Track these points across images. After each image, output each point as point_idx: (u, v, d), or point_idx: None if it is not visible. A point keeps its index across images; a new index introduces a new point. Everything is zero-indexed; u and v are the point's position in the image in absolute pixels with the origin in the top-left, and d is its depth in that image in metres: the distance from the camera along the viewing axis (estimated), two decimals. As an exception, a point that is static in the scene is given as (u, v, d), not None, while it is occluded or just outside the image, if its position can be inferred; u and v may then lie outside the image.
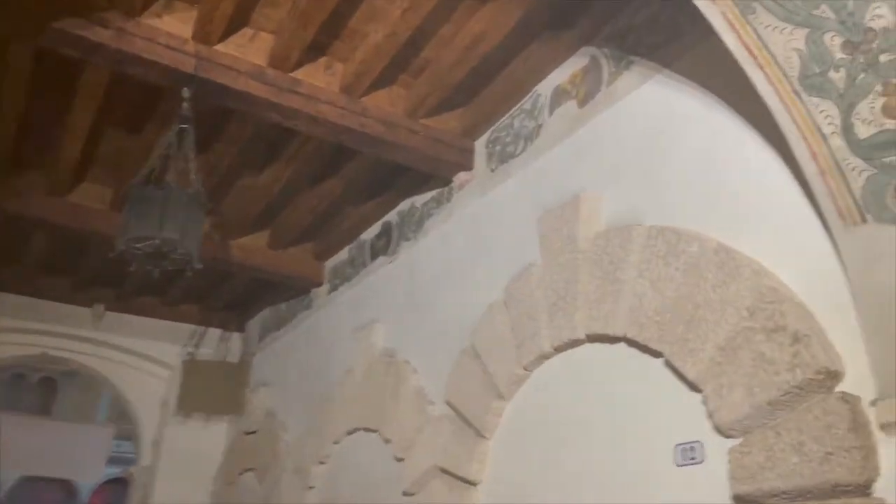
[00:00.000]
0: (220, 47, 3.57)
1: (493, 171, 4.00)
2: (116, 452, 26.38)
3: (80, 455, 6.84)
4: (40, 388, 23.55)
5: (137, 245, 3.08)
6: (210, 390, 7.10)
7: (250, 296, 6.88)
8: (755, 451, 2.14)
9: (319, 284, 5.95)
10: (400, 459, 4.01)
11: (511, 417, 3.29)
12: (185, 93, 3.44)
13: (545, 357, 3.13)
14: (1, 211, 4.90)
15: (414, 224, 4.73)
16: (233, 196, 5.08)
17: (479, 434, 3.38)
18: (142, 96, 4.12)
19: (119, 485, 26.96)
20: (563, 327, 3.01)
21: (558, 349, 3.06)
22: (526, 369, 3.21)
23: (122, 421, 7.51)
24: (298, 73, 3.75)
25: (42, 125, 4.46)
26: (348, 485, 4.57)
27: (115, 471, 26.62)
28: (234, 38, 3.61)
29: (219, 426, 7.11)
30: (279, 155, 4.61)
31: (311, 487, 4.96)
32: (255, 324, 7.29)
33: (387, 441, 4.20)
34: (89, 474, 7.13)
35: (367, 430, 4.49)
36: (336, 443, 4.83)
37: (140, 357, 7.12)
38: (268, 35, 3.66)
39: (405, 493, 3.86)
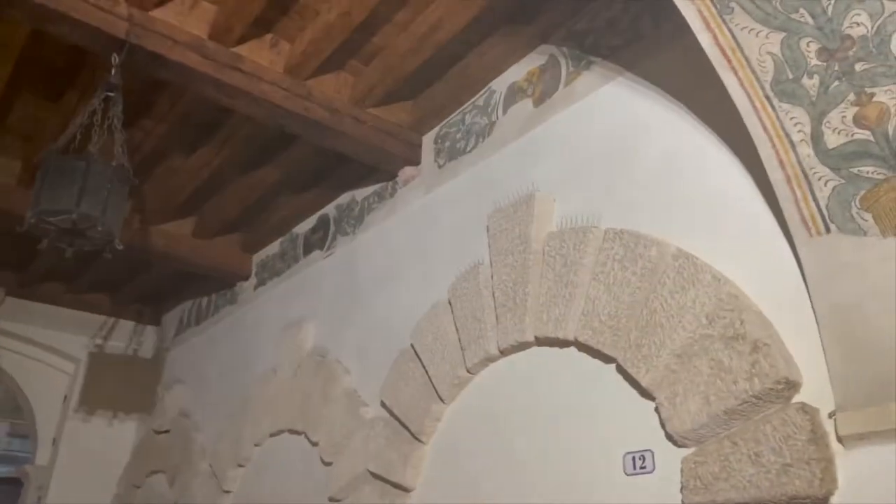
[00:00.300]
0: (156, 13, 3.29)
1: (440, 167, 3.88)
2: (7, 451, 24.66)
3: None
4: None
5: (50, 219, 2.76)
6: (118, 386, 6.64)
7: (169, 287, 6.48)
8: (710, 461, 2.09)
9: (246, 278, 5.65)
10: (328, 463, 3.81)
11: (451, 422, 3.16)
12: (115, 59, 3.15)
13: (491, 360, 3.02)
14: None
15: (353, 219, 4.55)
16: (157, 178, 4.75)
17: (416, 438, 3.23)
18: (63, 60, 3.78)
19: (7, 485, 25.24)
20: (510, 329, 2.91)
21: (505, 352, 2.96)
22: (469, 372, 3.09)
23: (16, 416, 6.86)
24: (241, 49, 3.52)
25: (-56, 86, 4.03)
26: (269, 489, 4.32)
27: (3, 470, 24.94)
28: (173, 5, 3.34)
29: (126, 425, 6.66)
30: (212, 137, 4.33)
31: (227, 491, 4.67)
32: (171, 317, 6.88)
33: (314, 444, 3.99)
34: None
35: (292, 432, 4.26)
36: (257, 445, 4.57)
37: (41, 348, 6.57)
38: (210, 5, 3.41)
39: (332, 499, 3.66)
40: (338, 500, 3.63)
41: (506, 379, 2.95)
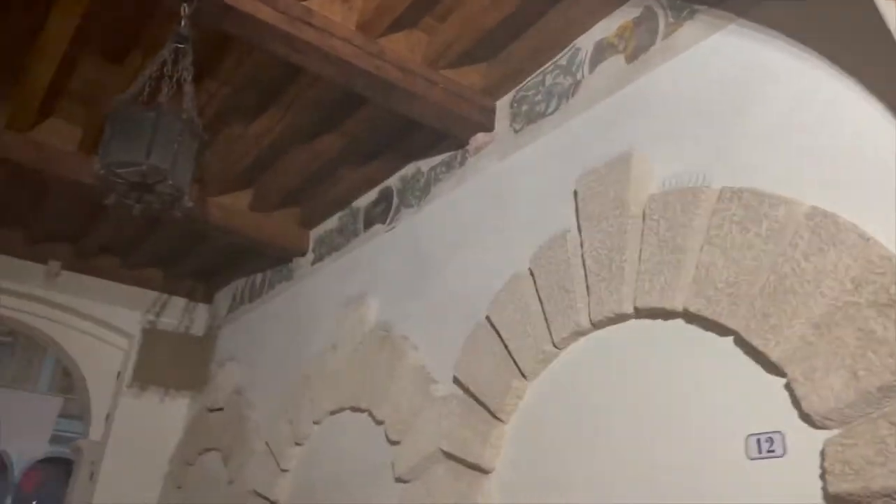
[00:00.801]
0: (225, -37, 3.12)
1: (517, 132, 3.64)
2: (56, 430, 25.16)
3: (22, 426, 6.22)
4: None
5: (119, 171, 2.61)
6: (170, 363, 6.57)
7: (223, 264, 6.39)
8: (862, 443, 1.82)
9: (303, 254, 5.50)
10: (394, 442, 3.62)
11: (534, 400, 2.94)
12: (185, 9, 2.99)
13: (581, 333, 2.79)
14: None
15: (419, 190, 4.35)
16: (218, 146, 4.60)
17: (495, 416, 3.02)
18: (128, 18, 3.64)
19: (53, 465, 25.88)
20: (606, 300, 2.67)
21: (598, 325, 2.72)
22: (556, 346, 2.87)
23: (70, 391, 6.85)
24: (312, 3, 3.33)
25: (8, 46, 3.94)
26: (329, 468, 4.16)
27: (52, 449, 25.55)
28: (243, -45, 3.17)
29: (177, 402, 6.59)
30: (276, 101, 4.16)
31: (284, 470, 4.53)
32: (224, 295, 6.79)
33: (379, 422, 3.81)
34: (30, 448, 6.46)
35: (354, 409, 4.08)
36: (316, 423, 4.42)
37: (96, 323, 6.55)
38: (281, -45, 3.23)
39: (399, 479, 3.48)
40: (406, 481, 3.44)
41: (599, 354, 2.72)
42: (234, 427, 5.36)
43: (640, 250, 2.61)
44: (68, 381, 20.58)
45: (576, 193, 3.00)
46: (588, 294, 2.77)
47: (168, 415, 6.51)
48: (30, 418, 6.07)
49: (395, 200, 4.57)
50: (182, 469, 6.03)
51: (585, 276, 2.80)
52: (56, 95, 4.31)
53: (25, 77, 4.05)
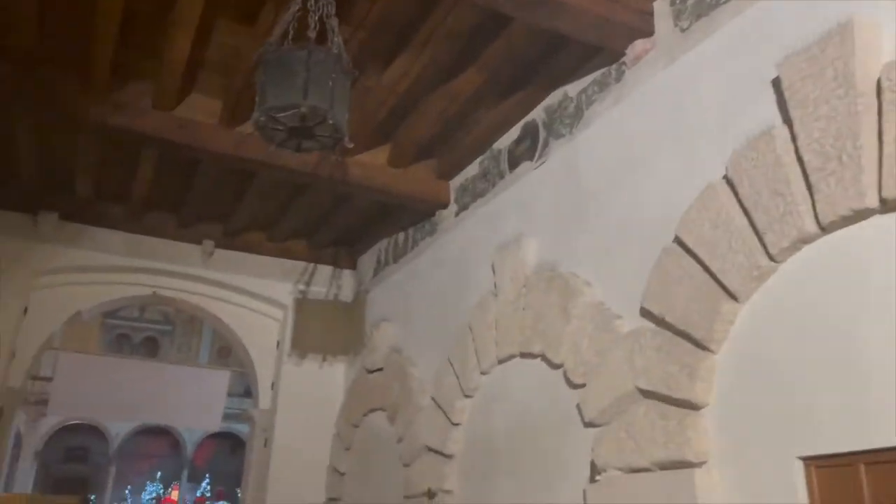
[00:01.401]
0: None
1: (684, 30, 3.21)
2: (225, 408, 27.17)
3: (198, 401, 6.62)
4: (143, 349, 24.35)
5: (279, 116, 2.48)
6: (324, 330, 6.68)
7: (364, 226, 6.36)
8: None
9: (445, 205, 5.33)
10: (578, 385, 3.37)
11: (750, 323, 2.58)
12: (317, -58, 2.79)
13: (806, 240, 2.39)
14: (107, 128, 4.45)
15: (568, 118, 4.01)
16: (353, 100, 4.44)
17: (702, 347, 2.69)
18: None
19: (219, 439, 27.96)
20: (838, 197, 2.25)
21: (830, 227, 2.31)
22: (774, 259, 2.48)
23: (237, 364, 7.15)
24: (446, -82, 3.05)
25: (146, 23, 3.96)
26: (505, 418, 3.99)
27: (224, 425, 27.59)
28: None
29: (335, 367, 6.71)
30: (411, 40, 3.94)
31: (455, 424, 4.42)
32: (367, 259, 6.79)
33: (556, 366, 3.58)
34: (207, 420, 6.88)
35: (525, 355, 3.87)
36: (484, 373, 4.25)
37: (251, 296, 6.75)
38: None
39: (590, 424, 3.23)
40: (598, 425, 3.19)
41: (833, 261, 2.31)
42: (396, 385, 5.33)
43: (880, 130, 2.16)
44: (224, 362, 22.06)
45: (778, 82, 2.57)
46: (811, 194, 2.36)
47: (328, 379, 6.63)
48: (206, 392, 6.44)
49: (542, 133, 4.26)
50: (348, 431, 6.13)
51: (804, 173, 2.39)
52: (195, 68, 4.33)
53: (165, 52, 4.07)
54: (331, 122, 2.47)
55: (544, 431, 3.64)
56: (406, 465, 4.91)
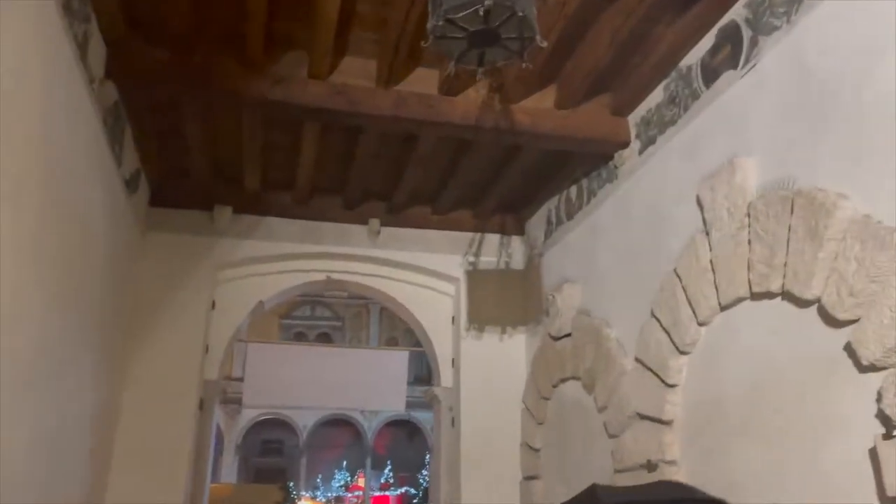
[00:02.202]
0: None
1: None
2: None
3: (381, 383, 6.56)
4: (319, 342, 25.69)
5: (458, 16, 2.08)
6: (500, 300, 6.33)
7: (530, 185, 5.92)
8: None
9: (625, 145, 4.74)
10: (845, 322, 2.70)
11: None
12: None
13: None
14: (267, 104, 4.33)
15: (782, 5, 3.29)
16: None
17: None
18: None
19: (395, 427, 28.93)
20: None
21: None
22: None
23: (417, 343, 6.99)
24: None
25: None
26: (735, 373, 3.37)
27: (393, 413, 28.60)
28: None
29: (515, 338, 6.32)
30: (580, -55, 3.42)
31: (671, 385, 3.85)
32: (536, 222, 6.33)
33: (806, 303, 2.91)
34: (392, 401, 6.81)
35: (759, 296, 3.23)
36: (703, 325, 3.65)
37: (422, 272, 6.53)
38: None
39: (869, 368, 2.56)
40: (884, 367, 2.51)
41: None
42: (590, 350, 4.83)
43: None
44: (393, 335, 22.70)
45: None
46: None
47: (510, 352, 6.27)
48: (388, 373, 6.37)
49: (747, 34, 3.56)
50: (538, 404, 5.72)
51: None
52: (346, 28, 4.08)
53: (315, 15, 3.84)
54: (521, 13, 2.03)
55: (794, 384, 2.98)
56: (613, 436, 4.41)
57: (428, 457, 28.32)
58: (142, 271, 5.74)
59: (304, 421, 27.63)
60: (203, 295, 5.92)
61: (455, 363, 6.40)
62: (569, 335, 5.25)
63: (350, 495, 26.34)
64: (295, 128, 4.94)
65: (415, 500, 27.37)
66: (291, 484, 22.33)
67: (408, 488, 27.99)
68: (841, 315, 2.71)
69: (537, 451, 5.72)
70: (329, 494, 25.93)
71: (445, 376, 6.47)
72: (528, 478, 5.77)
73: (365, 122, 4.58)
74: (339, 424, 28.87)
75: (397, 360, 6.70)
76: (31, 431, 3.66)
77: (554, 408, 5.52)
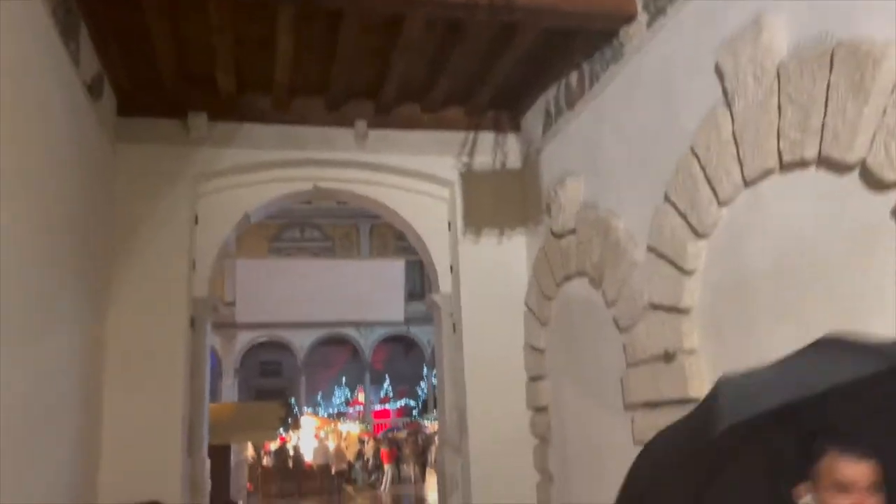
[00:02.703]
0: None
1: None
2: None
3: (377, 294, 6.36)
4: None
5: None
6: (497, 202, 6.05)
7: (526, 76, 5.52)
8: None
9: (631, 18, 4.33)
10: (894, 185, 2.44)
11: None
12: None
13: None
14: None
15: None
16: None
17: None
18: None
19: (392, 343, 29.25)
20: None
21: None
22: None
23: (412, 253, 6.73)
24: None
25: None
26: (762, 254, 3.14)
27: (387, 331, 28.88)
28: None
29: (514, 240, 6.08)
30: None
31: (688, 272, 3.63)
32: (532, 117, 5.98)
33: (845, 169, 2.64)
34: (390, 312, 6.61)
35: (790, 166, 2.95)
36: (724, 204, 3.39)
37: (412, 176, 6.21)
38: None
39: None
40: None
41: None
42: (597, 243, 4.60)
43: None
44: (385, 253, 22.53)
45: None
46: None
47: (510, 254, 6.04)
48: (384, 284, 6.16)
49: None
50: (542, 305, 5.54)
51: None
52: None
53: None
54: None
55: (830, 259, 2.76)
56: (625, 330, 4.24)
57: (425, 370, 28.90)
58: (117, 187, 5.39)
59: (301, 341, 27.84)
60: (184, 209, 5.59)
61: (453, 269, 6.18)
62: (573, 231, 5.01)
63: (351, 410, 26.89)
64: (268, 17, 4.48)
65: (414, 411, 28.03)
66: (293, 400, 22.64)
67: (407, 400, 28.61)
68: (889, 175, 2.45)
69: (542, 351, 5.59)
70: (330, 410, 26.46)
71: (444, 283, 6.27)
72: (534, 378, 5.66)
73: (344, 5, 4.14)
74: (336, 343, 29.15)
75: (393, 270, 6.48)
76: (16, 368, 3.43)
77: (559, 307, 5.34)
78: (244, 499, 10.36)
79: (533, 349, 5.70)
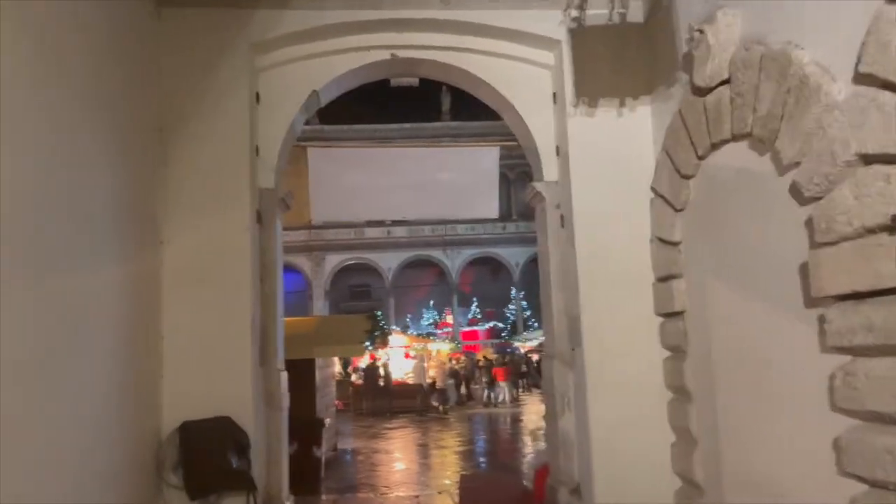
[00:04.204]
0: None
1: None
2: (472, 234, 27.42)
3: (467, 186, 5.40)
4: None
5: None
6: (615, 64, 4.89)
7: None
8: None
9: None
10: None
11: None
12: None
13: None
14: None
15: None
16: None
17: None
18: None
19: (479, 265, 28.59)
20: None
21: None
22: None
23: (506, 134, 5.69)
24: None
25: None
26: None
27: (472, 251, 28.19)
28: None
29: (639, 111, 4.94)
30: None
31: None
32: (659, -48, 4.70)
33: None
34: (482, 208, 5.64)
35: None
36: None
37: (510, 38, 5.11)
38: None
39: None
40: None
41: None
42: (767, 89, 3.42)
43: None
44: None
45: None
46: None
47: (632, 129, 4.92)
48: (470, 176, 5.20)
49: None
50: (677, 187, 4.43)
51: None
52: None
53: None
54: None
55: None
56: (812, 199, 3.10)
57: (513, 291, 28.21)
58: (163, 58, 4.60)
59: (388, 264, 27.68)
60: (242, 84, 4.76)
61: (561, 151, 5.12)
62: (726, 82, 3.82)
63: (440, 332, 26.69)
64: None
65: (503, 333, 27.57)
66: (380, 313, 22.36)
67: (495, 322, 28.17)
68: None
69: (675, 244, 4.51)
70: (419, 331, 26.34)
71: (549, 169, 5.23)
72: (664, 278, 4.62)
73: None
74: (423, 265, 28.85)
75: (487, 158, 5.49)
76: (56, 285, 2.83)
77: (701, 187, 4.22)
78: (333, 416, 9.98)
79: (663, 243, 4.63)
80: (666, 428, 4.63)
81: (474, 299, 28.85)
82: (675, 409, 4.57)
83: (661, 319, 4.70)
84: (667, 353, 4.66)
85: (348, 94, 5.43)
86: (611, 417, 4.65)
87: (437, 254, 28.38)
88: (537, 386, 18.39)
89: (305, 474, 6.76)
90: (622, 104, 4.95)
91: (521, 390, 20.11)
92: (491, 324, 28.15)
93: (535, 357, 21.82)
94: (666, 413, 4.65)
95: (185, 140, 4.63)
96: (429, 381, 18.04)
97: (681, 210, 4.46)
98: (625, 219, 4.83)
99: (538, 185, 5.24)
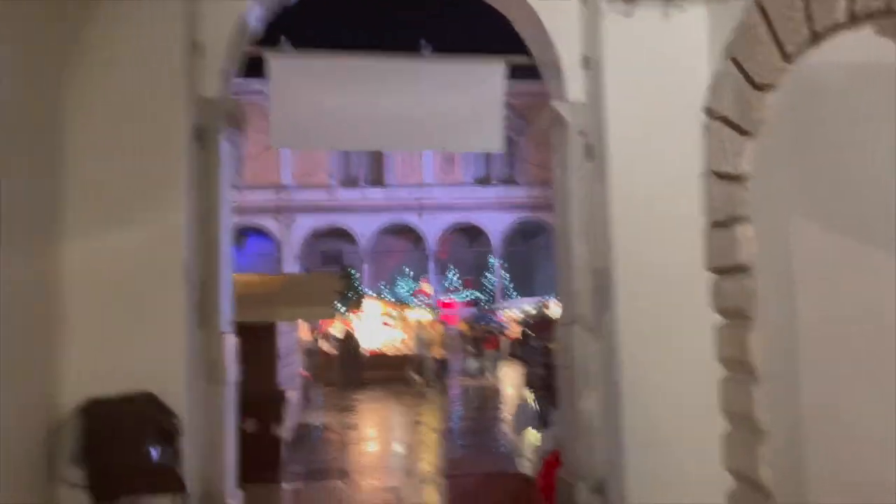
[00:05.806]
0: None
1: None
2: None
3: (464, 112, 4.33)
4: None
5: None
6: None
7: None
8: None
9: None
10: None
11: None
12: None
13: None
14: None
15: None
16: None
17: None
18: None
19: (457, 233, 27.59)
20: None
21: None
22: None
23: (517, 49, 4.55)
24: None
25: None
26: None
27: (450, 217, 27.15)
28: None
29: (692, 12, 3.86)
30: None
31: None
32: None
33: None
34: (482, 140, 4.53)
35: None
36: None
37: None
38: None
39: None
40: None
41: None
42: None
43: None
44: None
45: None
46: None
47: (680, 34, 3.85)
48: (468, 100, 4.15)
49: None
50: (747, 102, 3.38)
51: None
52: None
53: None
54: None
55: None
56: None
57: (491, 259, 27.29)
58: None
59: (363, 229, 26.53)
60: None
61: (589, 62, 4.03)
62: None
63: (416, 301, 25.65)
64: None
65: (481, 303, 26.71)
66: (355, 272, 21.04)
67: (473, 292, 27.29)
68: None
69: (740, 179, 3.48)
70: (396, 299, 25.26)
71: (573, 86, 4.14)
72: (724, 223, 3.59)
73: None
74: (399, 232, 27.71)
75: (489, 78, 4.40)
76: None
77: (787, 98, 3.18)
78: (299, 388, 8.91)
79: (720, 178, 3.60)
80: (717, 413, 3.66)
81: (451, 267, 27.93)
82: (731, 391, 3.59)
83: (715, 276, 3.69)
84: (722, 320, 3.66)
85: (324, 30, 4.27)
86: (647, 399, 3.66)
87: (412, 219, 27.30)
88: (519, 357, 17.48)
89: (264, 457, 5.73)
90: (668, 3, 3.87)
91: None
92: (469, 293, 27.26)
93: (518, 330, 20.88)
94: (716, 395, 3.67)
95: (99, 24, 3.46)
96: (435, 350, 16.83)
97: (750, 133, 3.42)
98: (670, 148, 3.79)
99: (560, 106, 4.15)
